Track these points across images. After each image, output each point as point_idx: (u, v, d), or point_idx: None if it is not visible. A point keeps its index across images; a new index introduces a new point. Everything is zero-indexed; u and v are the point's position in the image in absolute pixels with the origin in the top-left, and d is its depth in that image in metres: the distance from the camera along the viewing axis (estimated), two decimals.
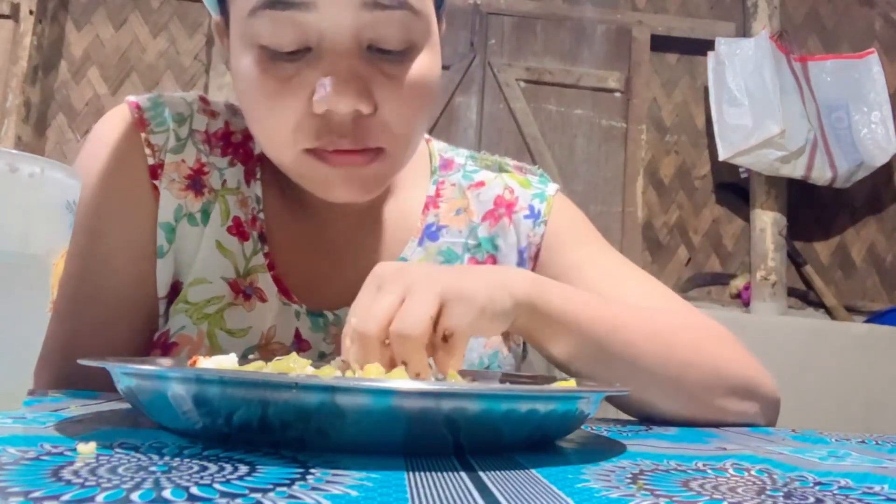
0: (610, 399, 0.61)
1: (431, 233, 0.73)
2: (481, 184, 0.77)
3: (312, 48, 0.56)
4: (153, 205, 0.65)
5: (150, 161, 0.65)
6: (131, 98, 0.68)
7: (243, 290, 0.67)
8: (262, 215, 0.69)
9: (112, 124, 0.67)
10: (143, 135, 0.65)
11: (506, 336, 0.74)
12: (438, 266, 0.52)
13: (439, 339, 0.48)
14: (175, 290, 0.66)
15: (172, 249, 0.66)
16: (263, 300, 0.67)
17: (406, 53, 0.58)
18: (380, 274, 0.51)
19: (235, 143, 0.70)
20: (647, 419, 0.62)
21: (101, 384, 0.57)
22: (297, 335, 0.67)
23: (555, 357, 0.58)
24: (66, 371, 0.62)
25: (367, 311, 0.47)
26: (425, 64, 0.59)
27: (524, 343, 0.77)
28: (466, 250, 0.73)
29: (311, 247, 0.70)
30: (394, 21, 0.56)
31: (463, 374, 0.56)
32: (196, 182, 0.67)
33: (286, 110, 0.57)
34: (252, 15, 0.55)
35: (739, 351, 0.64)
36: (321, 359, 0.67)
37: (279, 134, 0.58)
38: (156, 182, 0.65)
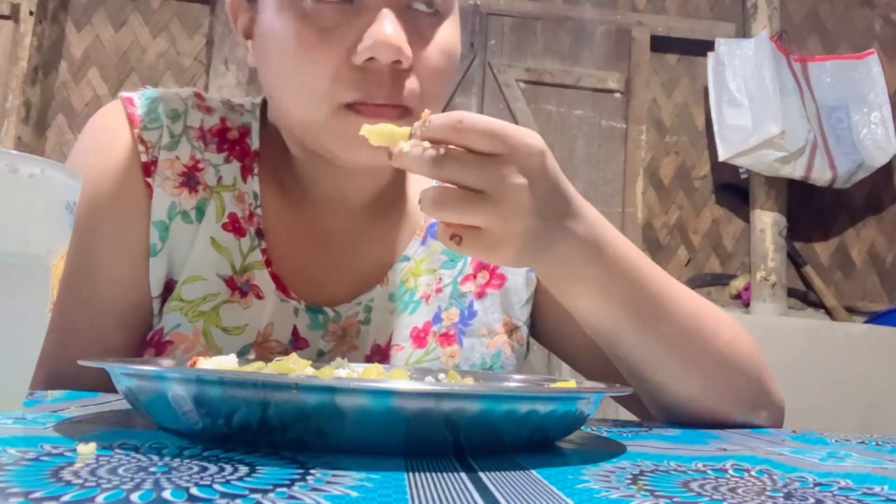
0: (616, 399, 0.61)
1: (435, 231, 0.73)
2: None
3: (354, 1, 0.58)
4: (146, 203, 0.64)
5: (144, 158, 0.64)
6: (125, 94, 0.67)
7: (239, 287, 0.66)
8: (259, 211, 0.68)
9: (105, 120, 0.66)
10: (136, 131, 0.65)
11: (509, 335, 0.74)
12: (545, 212, 0.55)
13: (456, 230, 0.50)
14: (169, 288, 0.65)
15: (166, 248, 0.65)
16: (260, 297, 0.66)
17: (437, 17, 0.61)
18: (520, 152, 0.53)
19: (232, 139, 0.69)
20: (653, 396, 0.61)
21: (96, 384, 0.57)
22: (295, 332, 0.67)
23: (584, 315, 0.58)
24: (60, 371, 0.61)
25: (478, 165, 0.49)
26: (451, 32, 0.63)
27: (527, 343, 0.77)
28: None
29: (311, 242, 0.69)
30: None
31: (464, 374, 0.57)
32: (190, 179, 0.66)
33: (325, 59, 0.58)
34: None
35: (763, 358, 0.65)
36: (320, 357, 0.67)
37: (316, 86, 0.58)
38: (149, 179, 0.64)
